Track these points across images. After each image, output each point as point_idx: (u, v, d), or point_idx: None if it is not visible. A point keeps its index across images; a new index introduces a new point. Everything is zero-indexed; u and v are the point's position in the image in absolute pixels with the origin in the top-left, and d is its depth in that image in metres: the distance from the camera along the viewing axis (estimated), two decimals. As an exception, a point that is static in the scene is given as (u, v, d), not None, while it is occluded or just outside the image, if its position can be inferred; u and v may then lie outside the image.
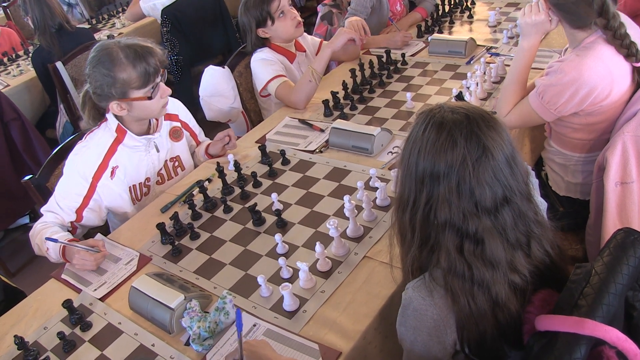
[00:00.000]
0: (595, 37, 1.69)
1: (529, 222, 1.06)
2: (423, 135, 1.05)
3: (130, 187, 1.98)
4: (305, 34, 2.66)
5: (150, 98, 1.81)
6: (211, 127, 2.13)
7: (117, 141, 1.91)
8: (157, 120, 2.01)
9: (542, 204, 1.23)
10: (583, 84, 1.65)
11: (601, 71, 1.65)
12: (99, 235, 1.86)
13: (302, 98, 2.36)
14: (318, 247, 1.45)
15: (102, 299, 1.58)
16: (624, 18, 1.77)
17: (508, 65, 2.33)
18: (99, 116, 1.95)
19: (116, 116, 1.89)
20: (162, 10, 3.99)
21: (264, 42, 2.53)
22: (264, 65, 2.47)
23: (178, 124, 2.12)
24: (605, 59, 1.65)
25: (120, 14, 4.76)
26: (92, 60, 1.78)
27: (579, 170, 1.88)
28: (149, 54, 1.77)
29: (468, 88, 2.14)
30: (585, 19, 1.67)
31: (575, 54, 1.68)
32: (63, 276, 1.71)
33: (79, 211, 1.87)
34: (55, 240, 1.69)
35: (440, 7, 3.01)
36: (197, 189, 1.91)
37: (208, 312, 1.39)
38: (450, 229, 1.04)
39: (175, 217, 1.75)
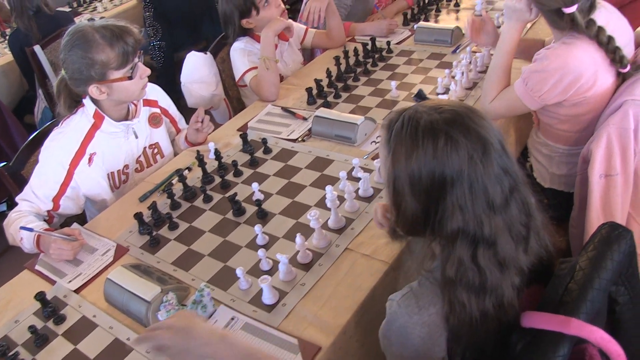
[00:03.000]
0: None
1: (531, 210, 0.99)
2: (418, 146, 0.95)
3: (108, 174, 1.94)
4: (290, 21, 2.60)
5: (130, 78, 1.77)
6: (192, 114, 2.08)
7: (95, 127, 1.86)
8: (135, 105, 1.97)
9: None
10: (568, 72, 1.62)
11: (587, 61, 1.62)
12: (75, 225, 1.81)
13: (271, 89, 2.31)
14: (298, 238, 1.42)
15: (77, 291, 1.53)
16: (606, 11, 1.74)
17: (494, 55, 2.31)
18: (75, 104, 1.90)
19: (94, 101, 1.84)
20: (145, -6, 3.91)
21: (246, 32, 2.47)
22: (242, 56, 2.43)
23: (157, 110, 2.08)
24: (591, 50, 1.63)
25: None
26: (67, 44, 1.73)
27: (563, 161, 1.86)
28: (126, 33, 1.73)
29: (453, 77, 2.11)
30: (561, 26, 1.65)
31: (562, 42, 1.66)
32: (37, 267, 1.66)
33: (56, 199, 1.82)
34: (30, 230, 1.64)
35: (427, -5, 2.97)
36: (177, 178, 1.87)
37: (185, 305, 1.35)
38: (463, 238, 0.96)
39: (153, 207, 1.71)
